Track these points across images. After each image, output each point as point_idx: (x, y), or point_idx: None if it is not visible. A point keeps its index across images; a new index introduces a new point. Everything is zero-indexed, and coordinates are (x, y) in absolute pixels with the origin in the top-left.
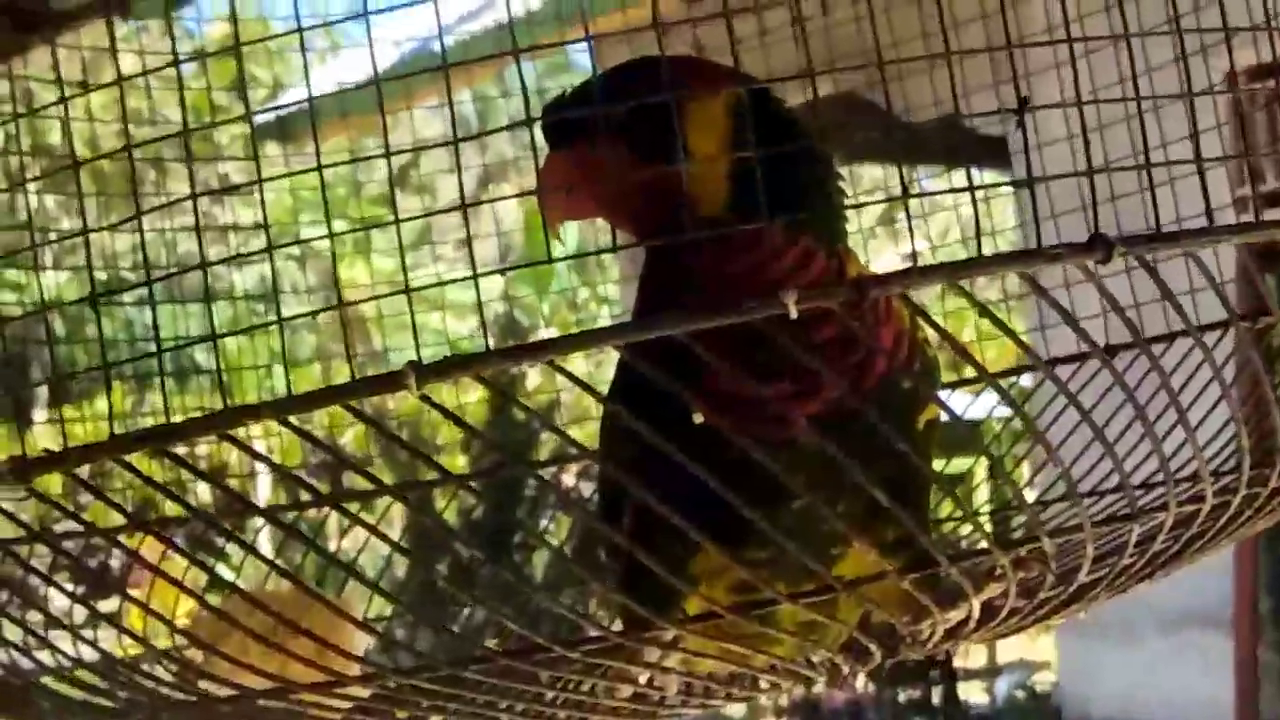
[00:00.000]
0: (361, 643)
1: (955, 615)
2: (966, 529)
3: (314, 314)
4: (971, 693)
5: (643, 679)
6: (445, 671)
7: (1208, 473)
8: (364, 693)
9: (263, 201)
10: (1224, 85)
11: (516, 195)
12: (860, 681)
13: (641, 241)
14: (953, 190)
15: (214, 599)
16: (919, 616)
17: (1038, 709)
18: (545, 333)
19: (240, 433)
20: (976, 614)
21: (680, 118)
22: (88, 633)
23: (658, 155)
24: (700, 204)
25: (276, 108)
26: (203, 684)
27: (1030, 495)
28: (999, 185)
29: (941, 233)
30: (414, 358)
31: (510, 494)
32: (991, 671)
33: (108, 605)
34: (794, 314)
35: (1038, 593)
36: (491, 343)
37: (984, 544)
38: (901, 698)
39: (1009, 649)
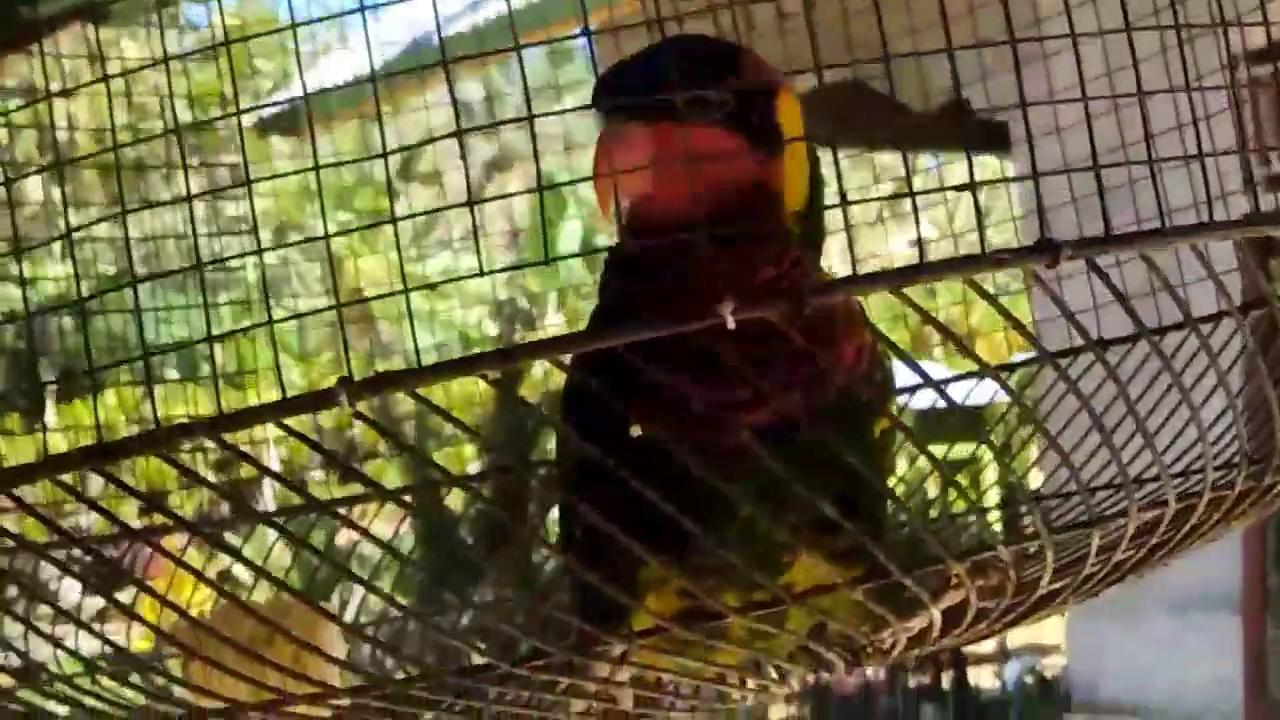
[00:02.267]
0: (341, 650)
1: (916, 624)
2: (973, 521)
3: (301, 315)
4: (981, 678)
5: (594, 691)
6: (390, 690)
7: (1211, 465)
8: (323, 712)
9: (252, 205)
10: (1225, 69)
11: (523, 191)
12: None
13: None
14: (953, 189)
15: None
16: (880, 626)
17: (1047, 693)
18: (553, 320)
19: (255, 430)
20: (938, 622)
21: (773, 107)
22: (98, 630)
23: (762, 142)
24: (791, 198)
25: (262, 105)
26: (180, 693)
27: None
28: (996, 182)
29: (950, 215)
30: (418, 349)
31: (513, 490)
32: (1001, 656)
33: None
34: (731, 324)
35: (1003, 595)
36: (498, 331)
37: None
38: (912, 683)
39: (1018, 634)
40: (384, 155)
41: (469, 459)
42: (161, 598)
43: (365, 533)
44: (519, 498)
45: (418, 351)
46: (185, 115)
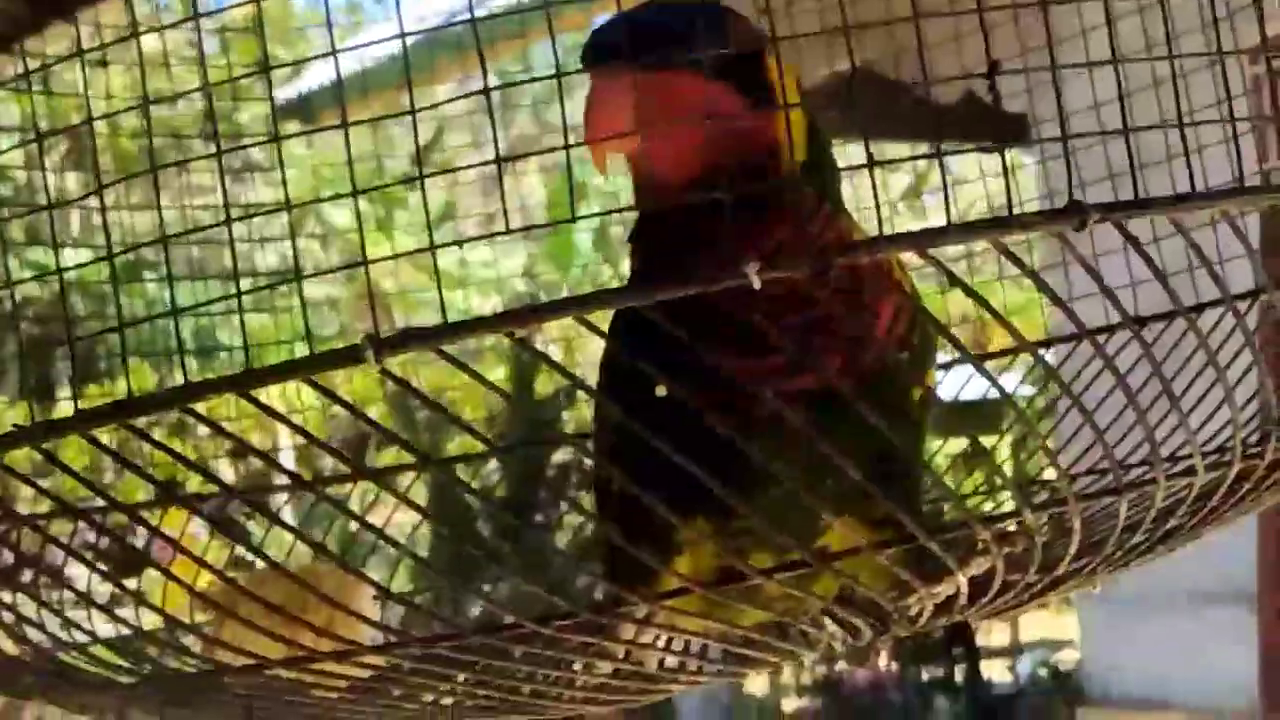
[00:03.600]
0: (372, 613)
1: (943, 590)
2: (991, 499)
3: (333, 271)
4: (994, 671)
5: (620, 655)
6: (416, 649)
7: (1241, 443)
8: (356, 672)
9: (288, 198)
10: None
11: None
12: (883, 660)
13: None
14: (980, 149)
15: (237, 573)
16: (905, 592)
17: (1061, 687)
18: None
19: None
20: (965, 589)
21: (763, 65)
22: (113, 608)
23: (758, 97)
24: (793, 151)
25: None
26: (219, 653)
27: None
28: (1023, 143)
29: (969, 205)
30: (444, 307)
31: (533, 468)
32: (1014, 650)
33: (132, 582)
34: (757, 284)
35: (1029, 566)
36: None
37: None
38: (924, 676)
39: (1032, 627)
40: (413, 113)
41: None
42: (198, 559)
43: (403, 498)
44: (537, 473)
45: (444, 309)
46: (202, 104)
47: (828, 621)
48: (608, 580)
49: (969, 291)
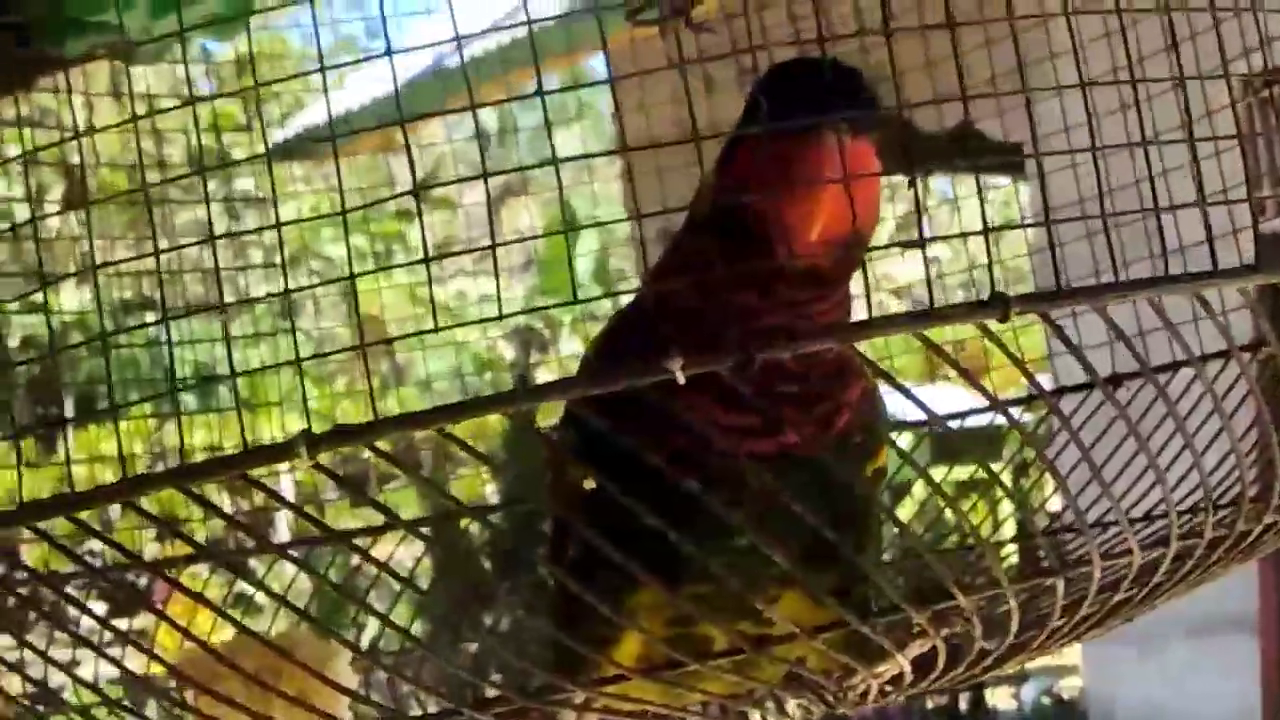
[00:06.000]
0: (350, 682)
1: (886, 670)
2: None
3: (269, 368)
4: (999, 699)
5: None
6: None
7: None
8: None
9: (281, 244)
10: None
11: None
12: None
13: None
14: (962, 235)
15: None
16: (849, 673)
17: (1065, 714)
18: (566, 344)
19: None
20: (909, 669)
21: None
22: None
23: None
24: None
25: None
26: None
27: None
28: (1004, 229)
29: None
30: (428, 373)
31: (529, 519)
32: (1019, 677)
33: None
34: (681, 379)
35: (971, 644)
36: (513, 356)
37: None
38: (929, 704)
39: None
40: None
41: (486, 482)
42: (176, 624)
43: (380, 564)
44: (535, 525)
45: (374, 405)
46: (205, 141)
47: (778, 701)
48: (550, 663)
49: (945, 357)
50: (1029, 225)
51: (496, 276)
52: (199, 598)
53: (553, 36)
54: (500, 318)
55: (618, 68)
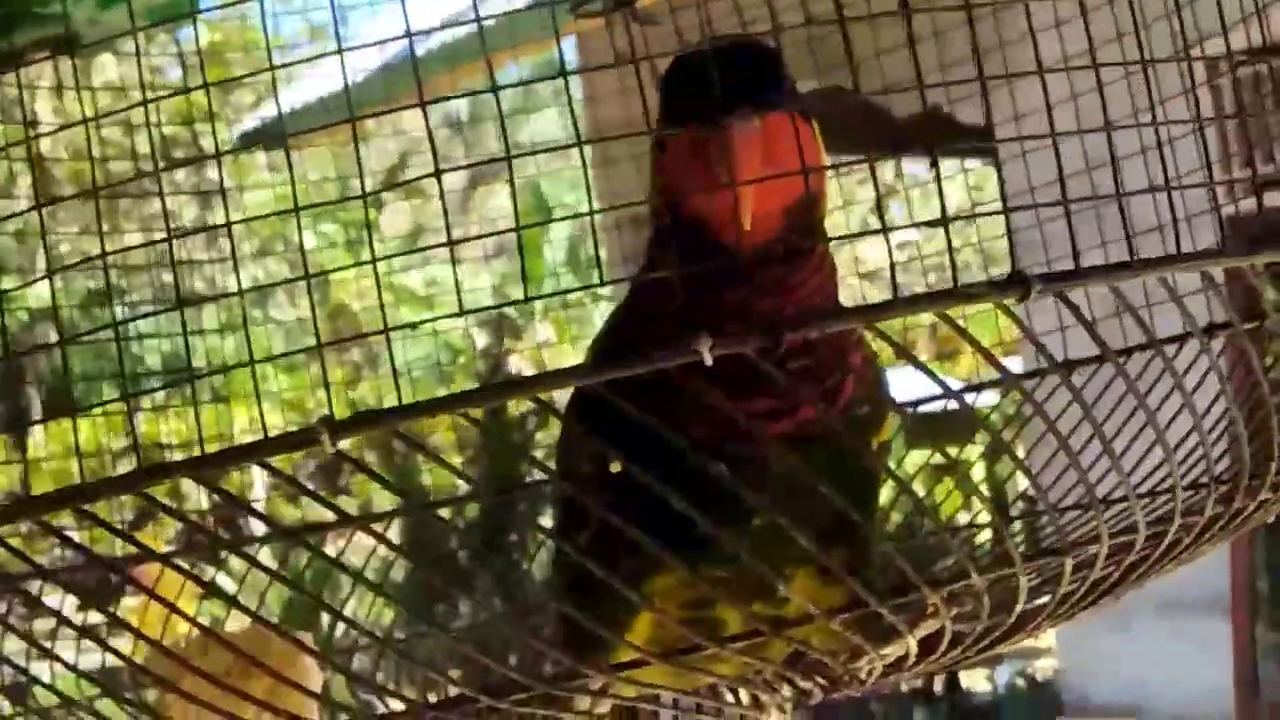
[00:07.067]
0: (318, 680)
1: (892, 651)
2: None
3: (290, 353)
4: (974, 680)
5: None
6: None
7: (1180, 484)
8: None
9: (233, 241)
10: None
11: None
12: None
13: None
14: (929, 223)
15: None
16: (855, 654)
17: (1039, 696)
18: (538, 329)
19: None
20: (914, 650)
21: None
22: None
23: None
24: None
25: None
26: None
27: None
28: (971, 216)
29: (937, 214)
30: (403, 361)
31: (503, 505)
32: (993, 659)
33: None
34: (708, 360)
35: (978, 619)
36: (485, 342)
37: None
38: (904, 687)
39: None
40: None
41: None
42: (136, 630)
43: (331, 559)
44: (506, 518)
45: (398, 386)
46: (169, 130)
47: (789, 681)
48: (562, 648)
49: (909, 358)
50: (988, 214)
51: (455, 273)
52: (195, 578)
53: (529, 21)
54: (462, 313)
55: (591, 54)
